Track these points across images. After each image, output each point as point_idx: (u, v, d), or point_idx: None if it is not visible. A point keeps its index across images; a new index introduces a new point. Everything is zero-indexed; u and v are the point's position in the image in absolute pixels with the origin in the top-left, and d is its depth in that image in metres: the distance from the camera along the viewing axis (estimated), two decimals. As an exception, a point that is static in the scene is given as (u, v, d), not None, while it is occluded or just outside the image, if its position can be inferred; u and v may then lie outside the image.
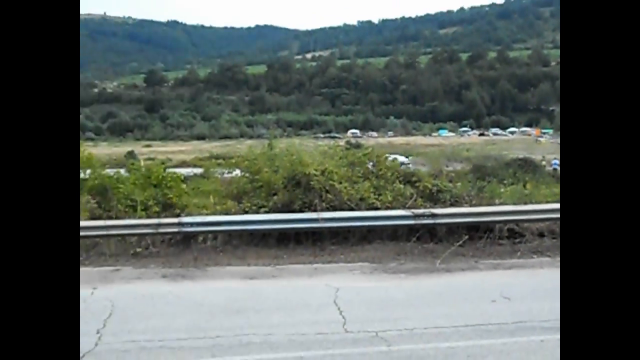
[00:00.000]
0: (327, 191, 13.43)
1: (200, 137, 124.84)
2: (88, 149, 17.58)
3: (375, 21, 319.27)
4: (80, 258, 12.39)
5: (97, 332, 8.04)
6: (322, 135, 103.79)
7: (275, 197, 13.65)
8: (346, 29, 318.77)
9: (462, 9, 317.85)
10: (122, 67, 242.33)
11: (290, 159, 14.63)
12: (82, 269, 11.79)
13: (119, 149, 77.24)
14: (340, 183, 13.68)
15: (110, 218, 13.20)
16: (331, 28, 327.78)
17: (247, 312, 8.86)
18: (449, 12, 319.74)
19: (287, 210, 13.21)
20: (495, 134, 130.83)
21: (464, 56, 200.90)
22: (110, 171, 16.38)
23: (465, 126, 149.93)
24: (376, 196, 13.72)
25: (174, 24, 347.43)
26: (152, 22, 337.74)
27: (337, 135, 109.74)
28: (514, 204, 14.42)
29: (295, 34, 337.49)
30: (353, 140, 71.10)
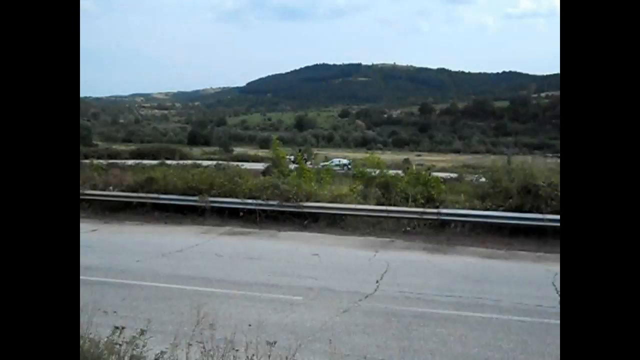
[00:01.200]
0: (552, 199, 12.50)
1: (456, 151, 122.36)
2: (378, 155, 18.29)
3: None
4: (367, 230, 13.03)
5: (376, 282, 8.46)
6: (550, 155, 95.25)
7: (510, 200, 13.05)
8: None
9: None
10: (404, 100, 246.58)
11: (523, 172, 13.87)
12: (368, 238, 12.39)
13: (398, 156, 78.76)
14: (563, 193, 12.65)
15: (390, 205, 13.69)
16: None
17: (483, 282, 8.68)
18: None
19: (519, 210, 12.58)
20: None
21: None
22: (392, 172, 16.92)
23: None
24: (593, 205, 12.45)
25: (442, 70, 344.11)
26: (427, 69, 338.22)
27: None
28: None
29: (534, 78, 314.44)
30: (577, 160, 64.69)
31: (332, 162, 55.46)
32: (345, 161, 51.07)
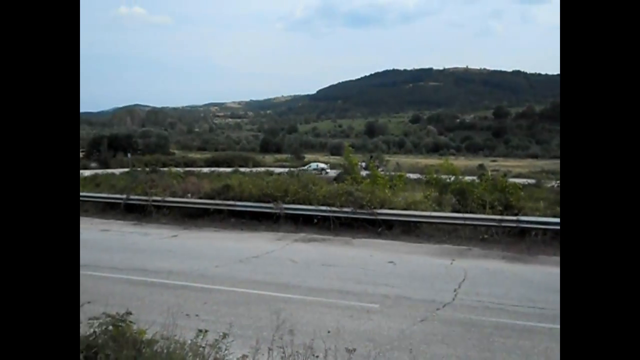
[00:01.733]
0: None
1: (533, 156, 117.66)
2: (452, 162, 17.90)
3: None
4: (443, 238, 12.76)
5: (454, 291, 8.27)
6: None
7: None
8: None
9: None
10: (478, 104, 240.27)
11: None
12: (443, 245, 12.12)
13: (472, 162, 76.84)
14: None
15: (466, 212, 13.37)
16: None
17: (569, 293, 8.21)
18: None
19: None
20: None
21: None
22: (467, 178, 16.51)
23: None
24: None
25: (517, 72, 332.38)
26: (501, 71, 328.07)
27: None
28: None
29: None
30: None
31: (309, 166, 55.53)
32: (322, 165, 52.07)
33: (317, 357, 4.40)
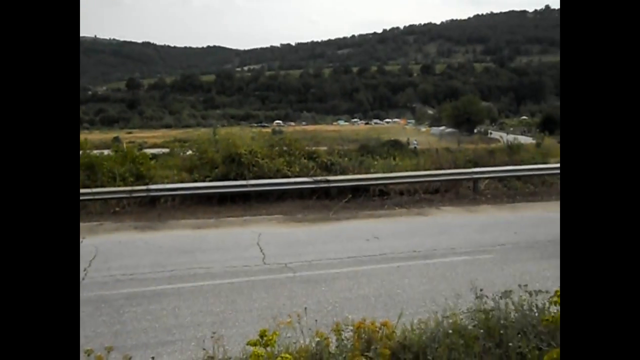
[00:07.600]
0: (253, 165, 13.82)
1: (167, 126, 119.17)
2: (83, 135, 16.86)
3: (293, 44, 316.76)
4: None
5: (84, 270, 7.90)
6: (255, 125, 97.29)
7: (216, 170, 13.86)
8: (272, 49, 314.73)
9: (353, 36, 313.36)
10: (109, 75, 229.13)
11: (227, 142, 14.72)
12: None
13: (108, 135, 72.59)
14: (263, 159, 14.05)
15: (96, 186, 12.97)
16: (262, 48, 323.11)
17: (195, 252, 8.90)
18: (344, 37, 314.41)
19: (225, 179, 13.47)
20: (376, 123, 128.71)
21: (355, 69, 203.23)
22: (97, 152, 16.17)
23: (355, 118, 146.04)
24: (288, 168, 14.13)
25: (147, 44, 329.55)
26: (131, 42, 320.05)
27: (266, 124, 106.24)
28: (384, 172, 14.88)
29: (236, 52, 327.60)
30: (277, 128, 70.64)
31: None
32: None
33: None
